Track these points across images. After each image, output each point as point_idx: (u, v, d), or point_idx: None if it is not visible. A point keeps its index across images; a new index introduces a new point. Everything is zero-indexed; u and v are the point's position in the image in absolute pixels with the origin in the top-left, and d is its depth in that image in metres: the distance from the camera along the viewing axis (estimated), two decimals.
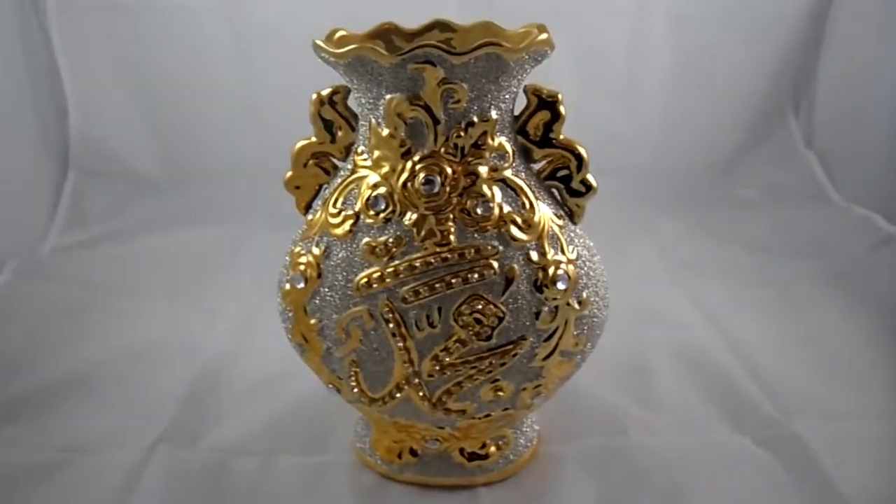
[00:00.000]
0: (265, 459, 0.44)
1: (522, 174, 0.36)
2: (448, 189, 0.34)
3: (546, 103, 0.35)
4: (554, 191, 0.37)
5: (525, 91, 0.36)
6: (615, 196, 0.76)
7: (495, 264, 0.34)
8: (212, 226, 0.72)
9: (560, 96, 0.35)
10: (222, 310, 0.60)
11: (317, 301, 0.36)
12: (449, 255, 0.34)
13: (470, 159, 0.34)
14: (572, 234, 0.37)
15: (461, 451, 0.41)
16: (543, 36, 0.33)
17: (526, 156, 0.36)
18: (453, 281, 0.34)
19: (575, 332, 0.37)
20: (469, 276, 0.34)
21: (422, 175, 0.33)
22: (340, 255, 0.35)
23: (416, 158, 0.34)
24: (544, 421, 0.47)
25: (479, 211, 0.34)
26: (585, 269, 0.37)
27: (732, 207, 0.76)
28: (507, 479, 0.43)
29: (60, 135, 0.77)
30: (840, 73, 0.76)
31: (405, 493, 0.42)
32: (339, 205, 0.36)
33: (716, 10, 0.76)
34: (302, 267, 0.36)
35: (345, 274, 0.35)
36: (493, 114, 0.34)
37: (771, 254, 0.68)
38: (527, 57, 0.33)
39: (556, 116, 0.36)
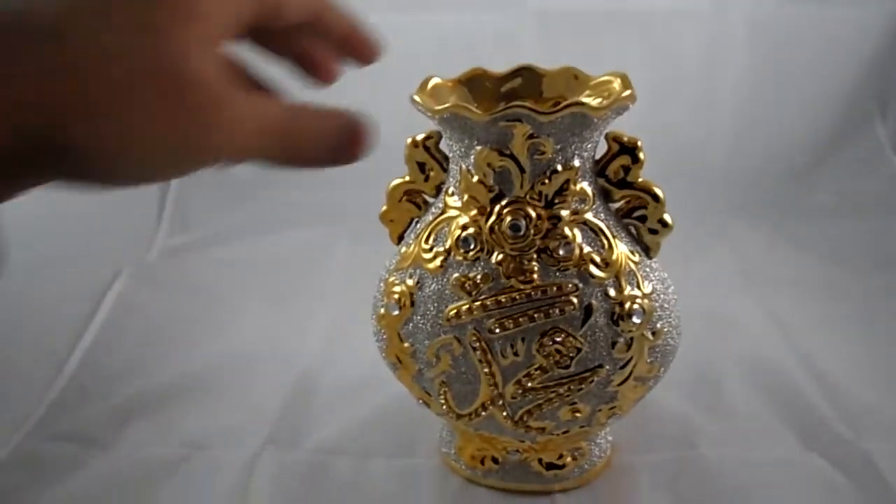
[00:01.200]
0: (359, 461, 0.49)
1: (602, 215, 0.38)
2: (532, 231, 0.36)
3: (626, 149, 0.38)
4: (631, 228, 0.39)
5: (606, 137, 0.38)
6: (688, 200, 0.76)
7: (575, 300, 0.37)
8: (302, 230, 0.77)
9: (640, 143, 0.38)
10: (316, 314, 0.65)
11: (409, 327, 0.40)
12: (532, 292, 0.37)
13: (553, 204, 0.37)
14: (648, 270, 0.39)
15: (539, 460, 0.45)
16: (627, 93, 0.35)
17: (605, 196, 0.39)
18: (536, 315, 0.37)
19: (648, 360, 0.39)
20: (551, 311, 0.37)
21: (508, 219, 0.36)
22: (432, 288, 0.39)
23: (504, 203, 0.37)
24: (618, 431, 0.49)
25: (560, 252, 0.37)
26: (660, 301, 0.39)
27: (811, 214, 0.75)
28: (581, 487, 0.46)
29: None
30: None
31: (488, 497, 0.45)
32: (430, 241, 0.39)
33: (799, 8, 0.74)
34: (396, 296, 0.40)
35: (436, 305, 0.39)
36: (576, 162, 0.37)
37: (849, 265, 0.67)
38: (610, 113, 0.35)
39: (636, 160, 0.38)
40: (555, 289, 0.37)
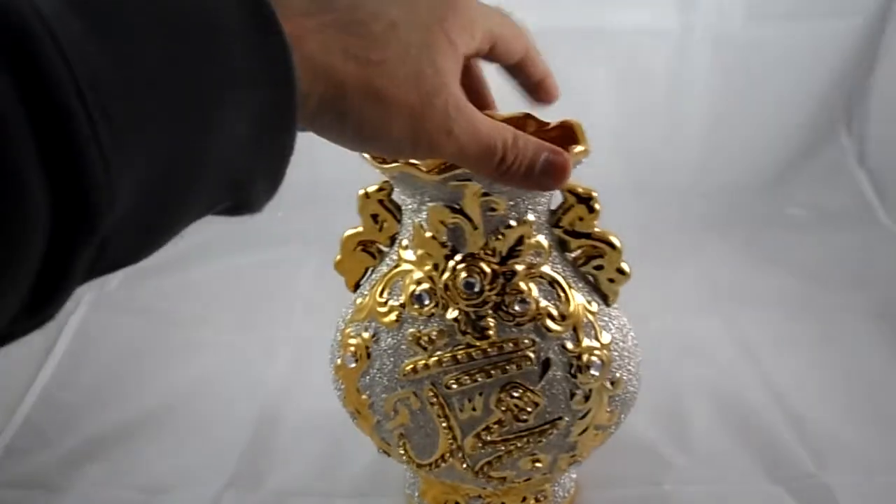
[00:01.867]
0: (323, 501, 0.48)
1: (559, 266, 0.38)
2: (487, 288, 0.36)
3: (581, 199, 0.37)
4: (589, 276, 0.39)
5: (561, 189, 0.37)
6: (655, 216, 0.77)
7: (532, 355, 0.36)
8: (265, 252, 0.76)
9: (595, 194, 0.37)
10: (279, 342, 0.64)
11: (366, 380, 0.39)
12: (489, 349, 0.36)
13: (508, 259, 0.36)
14: (606, 319, 0.38)
15: None
16: (580, 149, 0.34)
17: (562, 246, 0.38)
18: (493, 371, 0.36)
19: (608, 409, 0.39)
20: (507, 366, 0.36)
21: (462, 276, 0.36)
22: (388, 342, 0.38)
23: (457, 259, 0.36)
24: (582, 467, 0.49)
25: (516, 307, 0.36)
26: (619, 350, 0.39)
27: (779, 228, 0.75)
28: None
29: None
30: (895, 89, 0.74)
31: None
32: (385, 295, 0.38)
33: (765, 25, 0.74)
34: (353, 348, 0.39)
35: (392, 359, 0.38)
36: (530, 216, 0.36)
37: (817, 281, 0.67)
38: None
39: (591, 210, 0.37)
40: (511, 345, 0.36)
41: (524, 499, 0.45)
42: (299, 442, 0.53)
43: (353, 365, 0.39)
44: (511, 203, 0.35)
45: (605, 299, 0.39)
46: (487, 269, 0.36)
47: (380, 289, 0.39)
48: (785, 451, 0.50)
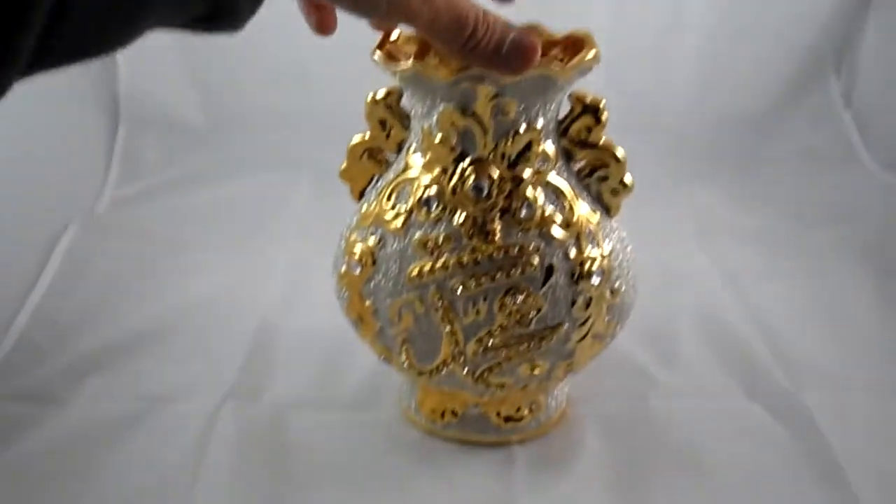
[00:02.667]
0: (320, 414, 0.49)
1: (564, 175, 0.38)
2: (495, 192, 0.36)
3: (589, 109, 0.38)
4: (592, 188, 0.40)
5: (569, 97, 0.38)
6: (645, 155, 0.77)
7: (536, 261, 0.37)
8: (260, 176, 0.75)
9: (602, 104, 0.37)
10: (275, 262, 0.64)
11: (371, 286, 0.40)
12: (494, 253, 0.37)
13: (516, 164, 0.37)
14: (607, 230, 0.40)
15: (497, 413, 0.46)
16: (591, 54, 0.35)
17: (568, 156, 0.39)
18: (498, 275, 0.37)
19: (606, 318, 0.40)
20: (512, 271, 0.37)
21: (471, 179, 0.36)
22: (394, 247, 0.39)
23: (466, 163, 0.37)
24: (573, 383, 0.51)
25: (523, 213, 0.37)
26: (618, 261, 0.40)
27: (765, 169, 0.77)
28: (537, 438, 0.47)
29: (109, 88, 0.79)
30: (887, 33, 0.75)
31: (447, 448, 0.46)
32: (392, 200, 0.39)
33: None
34: (357, 254, 0.40)
35: (398, 264, 0.39)
36: (540, 122, 0.36)
37: (800, 220, 0.69)
38: (575, 74, 0.35)
39: (598, 121, 0.38)
40: (516, 250, 0.37)
41: (518, 408, 0.46)
42: (296, 356, 0.54)
43: (358, 271, 0.40)
44: (521, 107, 0.35)
45: (608, 211, 0.40)
46: (496, 174, 0.36)
47: (387, 194, 0.39)
48: (764, 372, 0.52)
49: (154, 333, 0.56)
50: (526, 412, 0.47)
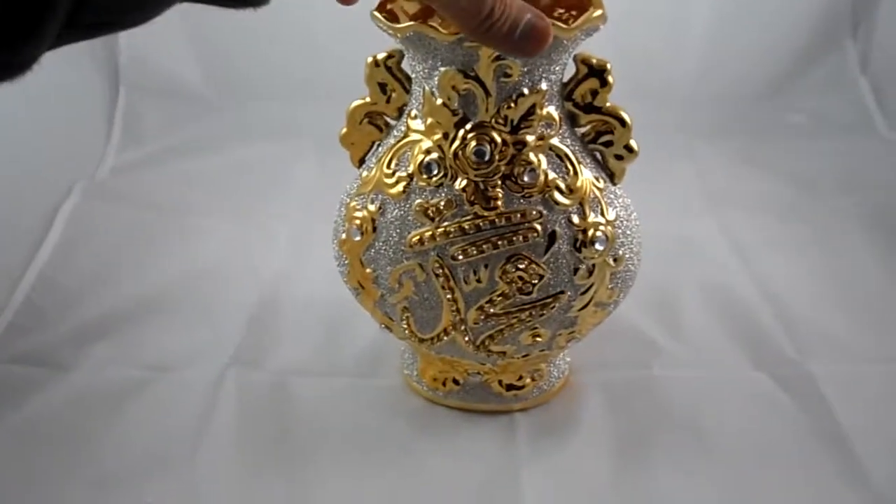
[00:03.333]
0: (323, 381, 0.49)
1: (568, 140, 0.37)
2: (497, 157, 0.36)
3: (595, 72, 0.37)
4: (597, 153, 0.39)
5: (574, 59, 0.37)
6: (654, 121, 0.76)
7: (539, 227, 0.37)
8: (262, 144, 0.75)
9: (609, 66, 0.36)
10: (278, 229, 0.64)
11: (371, 253, 0.39)
12: (496, 219, 0.36)
13: (519, 129, 0.36)
14: (612, 196, 0.39)
15: (499, 381, 0.46)
16: (598, 13, 0.33)
17: (572, 120, 0.38)
18: (499, 242, 0.37)
19: (609, 286, 0.40)
20: (514, 238, 0.37)
21: (473, 144, 0.35)
22: (394, 213, 0.38)
23: (468, 127, 0.36)
24: (576, 351, 0.51)
25: (525, 178, 0.36)
26: (622, 228, 0.39)
27: (778, 135, 0.75)
28: (540, 406, 0.47)
29: (109, 52, 0.78)
30: None
31: (450, 416, 0.46)
32: (392, 165, 0.38)
33: None
34: (358, 221, 0.39)
35: (398, 231, 0.38)
36: (543, 85, 0.35)
37: (811, 187, 0.68)
38: (580, 34, 0.34)
39: (604, 84, 0.37)
40: (519, 216, 0.36)
41: (520, 377, 0.46)
42: (299, 325, 0.54)
43: (359, 238, 0.39)
44: (525, 70, 0.34)
45: (612, 177, 0.39)
46: (498, 139, 0.35)
47: (387, 160, 0.38)
48: (770, 341, 0.52)
49: (158, 300, 0.56)
50: (528, 380, 0.46)
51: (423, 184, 0.37)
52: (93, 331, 0.53)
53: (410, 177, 0.37)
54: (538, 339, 0.40)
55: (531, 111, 0.36)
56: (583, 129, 0.38)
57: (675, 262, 0.60)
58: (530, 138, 0.36)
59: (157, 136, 0.76)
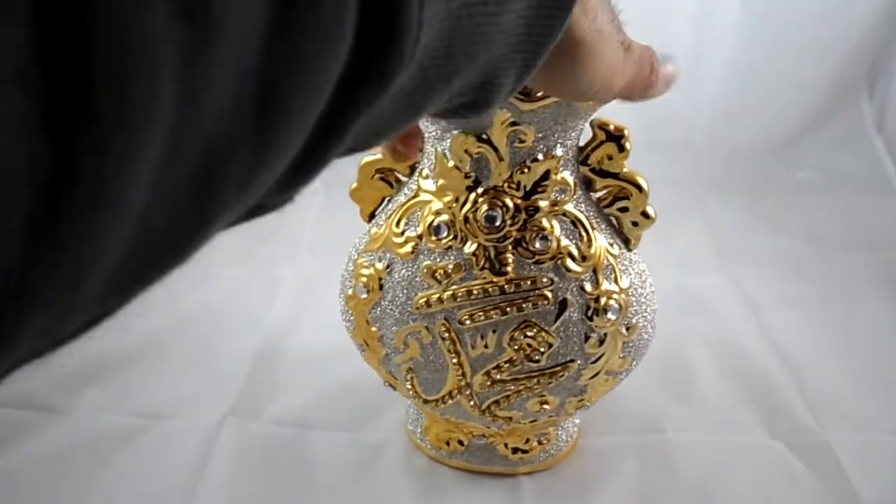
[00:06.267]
0: (323, 434, 0.48)
1: (582, 205, 0.36)
2: (508, 223, 0.35)
3: (612, 137, 0.36)
4: (612, 219, 0.38)
5: (591, 124, 0.36)
6: (668, 173, 0.75)
7: (549, 295, 0.35)
8: None
9: (626, 132, 0.36)
10: (282, 276, 0.63)
11: (377, 311, 0.38)
12: (506, 285, 0.35)
13: (532, 194, 0.35)
14: (626, 263, 0.38)
15: (505, 444, 0.44)
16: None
17: (587, 185, 0.37)
18: (508, 309, 0.36)
19: (621, 355, 0.38)
20: (524, 305, 0.36)
21: (484, 208, 0.35)
22: (402, 273, 0.37)
23: (480, 191, 0.35)
24: (586, 412, 0.49)
25: (537, 245, 0.35)
26: (636, 296, 0.38)
27: (790, 191, 0.74)
28: (547, 470, 0.46)
29: None
30: None
31: (453, 476, 0.45)
32: (402, 225, 0.37)
33: None
34: (365, 279, 0.38)
35: (405, 292, 0.37)
36: (558, 151, 0.35)
37: (826, 245, 0.67)
38: (597, 103, 0.33)
39: (621, 149, 0.36)
40: (529, 283, 0.35)
41: (527, 440, 0.45)
42: (300, 375, 0.53)
43: (365, 296, 0.39)
44: (540, 135, 0.34)
45: (627, 243, 0.38)
46: (510, 204, 0.35)
47: (396, 218, 0.37)
48: (786, 408, 0.50)
49: (157, 344, 0.55)
50: (535, 444, 0.45)
51: (432, 245, 0.36)
52: (88, 375, 0.52)
53: (419, 237, 0.37)
54: (546, 406, 0.39)
55: (545, 176, 0.35)
56: (598, 194, 0.37)
57: (688, 321, 0.59)
58: (543, 204, 0.35)
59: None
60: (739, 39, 0.74)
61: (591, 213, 0.37)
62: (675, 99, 0.76)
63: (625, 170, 0.37)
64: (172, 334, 0.56)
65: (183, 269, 0.54)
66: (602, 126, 0.36)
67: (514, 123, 0.33)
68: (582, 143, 0.37)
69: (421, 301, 0.37)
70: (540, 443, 0.45)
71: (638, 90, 0.28)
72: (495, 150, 0.34)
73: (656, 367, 0.54)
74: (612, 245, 0.37)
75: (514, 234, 0.35)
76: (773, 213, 0.71)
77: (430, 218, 0.36)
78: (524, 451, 0.45)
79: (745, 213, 0.71)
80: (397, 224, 0.38)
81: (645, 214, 0.37)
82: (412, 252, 0.37)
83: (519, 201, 0.35)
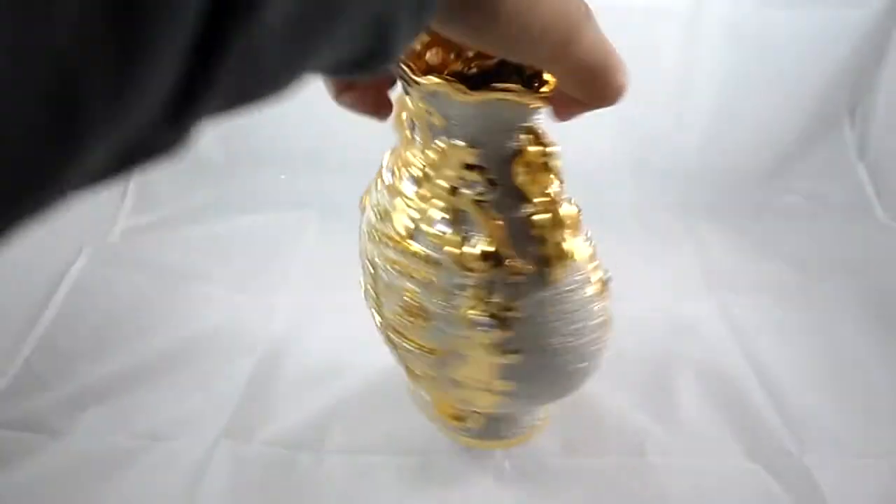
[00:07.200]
0: (317, 456, 0.49)
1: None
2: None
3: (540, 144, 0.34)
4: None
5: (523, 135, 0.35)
6: (654, 197, 0.77)
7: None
8: (270, 213, 0.76)
9: (554, 150, 0.34)
10: (278, 300, 0.64)
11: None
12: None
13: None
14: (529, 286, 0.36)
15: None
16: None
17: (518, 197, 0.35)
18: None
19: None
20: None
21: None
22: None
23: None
24: (570, 431, 0.50)
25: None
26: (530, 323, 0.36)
27: (776, 216, 0.75)
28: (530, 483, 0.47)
29: None
30: None
31: (442, 493, 0.46)
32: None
33: (775, 14, 0.74)
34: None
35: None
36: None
37: (810, 270, 0.68)
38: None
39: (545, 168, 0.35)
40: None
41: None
42: (295, 397, 0.54)
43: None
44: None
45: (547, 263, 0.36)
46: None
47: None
48: (766, 431, 0.51)
49: (155, 367, 0.57)
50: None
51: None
52: (87, 396, 0.53)
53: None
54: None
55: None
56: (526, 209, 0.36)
57: (670, 345, 0.60)
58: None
59: (169, 201, 0.78)
60: (725, 69, 0.76)
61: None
62: (663, 124, 0.79)
63: (549, 191, 0.34)
64: (169, 358, 0.57)
65: (181, 294, 0.55)
66: (531, 132, 0.33)
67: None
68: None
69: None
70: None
71: (599, 83, 0.26)
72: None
73: (640, 391, 0.55)
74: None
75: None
76: (759, 238, 0.72)
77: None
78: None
79: (731, 238, 0.72)
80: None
81: (559, 250, 0.35)
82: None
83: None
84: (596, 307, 0.38)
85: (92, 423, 0.51)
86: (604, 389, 0.54)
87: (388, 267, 0.38)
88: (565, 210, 0.35)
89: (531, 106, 0.32)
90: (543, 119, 0.33)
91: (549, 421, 0.51)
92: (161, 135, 0.15)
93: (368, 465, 0.49)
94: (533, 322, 0.36)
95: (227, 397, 0.54)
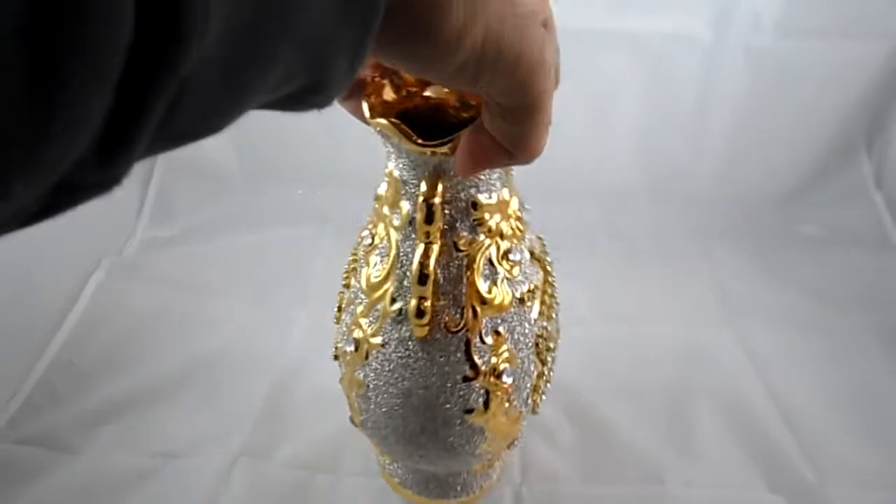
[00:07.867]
0: (334, 477, 0.49)
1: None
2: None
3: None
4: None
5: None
6: (670, 223, 0.77)
7: None
8: (287, 228, 0.76)
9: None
10: (297, 315, 0.64)
11: None
12: None
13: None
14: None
15: None
16: None
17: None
18: None
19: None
20: None
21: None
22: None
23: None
24: (590, 459, 0.50)
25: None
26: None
27: (792, 244, 0.75)
28: None
29: None
30: None
31: None
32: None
33: (796, 44, 0.74)
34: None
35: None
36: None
37: (828, 300, 0.68)
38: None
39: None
40: None
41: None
42: (312, 416, 0.54)
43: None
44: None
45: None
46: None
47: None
48: (787, 462, 0.51)
49: (171, 384, 0.56)
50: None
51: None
52: (103, 413, 0.53)
53: None
54: None
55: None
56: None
57: (688, 373, 0.59)
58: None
59: (186, 215, 0.78)
60: (744, 97, 0.76)
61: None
62: (681, 150, 0.79)
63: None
64: (186, 375, 0.57)
65: (197, 310, 0.55)
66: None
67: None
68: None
69: None
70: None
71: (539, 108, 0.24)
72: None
73: (659, 419, 0.54)
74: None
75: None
76: (776, 267, 0.72)
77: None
78: None
79: (747, 266, 0.72)
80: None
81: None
82: None
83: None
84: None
85: (108, 440, 0.51)
86: (623, 417, 0.54)
87: None
88: None
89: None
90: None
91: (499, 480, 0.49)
92: (94, 173, 0.15)
93: (386, 488, 0.48)
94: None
95: (244, 415, 0.53)
